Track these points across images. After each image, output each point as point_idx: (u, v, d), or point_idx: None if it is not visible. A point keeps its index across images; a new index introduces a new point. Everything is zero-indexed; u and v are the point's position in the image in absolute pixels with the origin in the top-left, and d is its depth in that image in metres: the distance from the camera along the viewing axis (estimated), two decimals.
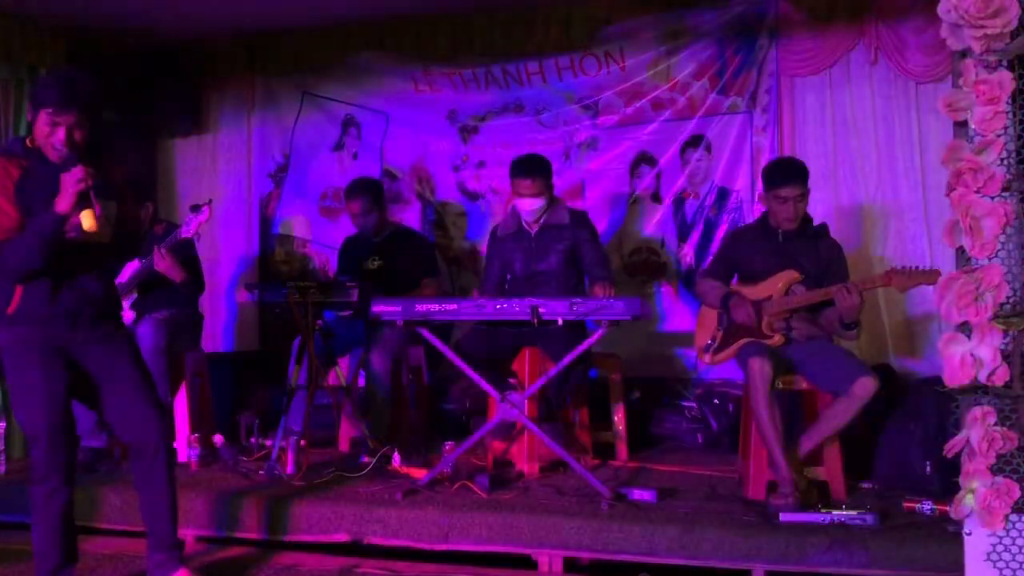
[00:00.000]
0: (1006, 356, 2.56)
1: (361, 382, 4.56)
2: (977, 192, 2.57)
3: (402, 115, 5.78)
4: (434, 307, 3.71)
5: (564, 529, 3.27)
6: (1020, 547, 2.60)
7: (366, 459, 4.09)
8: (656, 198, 5.35)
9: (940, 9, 2.59)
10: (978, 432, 2.55)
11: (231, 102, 6.09)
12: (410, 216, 5.77)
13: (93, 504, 3.70)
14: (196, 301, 4.71)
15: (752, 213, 5.03)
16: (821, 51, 4.96)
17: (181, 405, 4.48)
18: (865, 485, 3.76)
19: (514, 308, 3.61)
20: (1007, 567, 2.61)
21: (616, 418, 4.43)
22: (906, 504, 3.35)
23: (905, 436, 3.70)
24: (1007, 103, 2.56)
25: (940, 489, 3.37)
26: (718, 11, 5.06)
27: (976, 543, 2.63)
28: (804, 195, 3.72)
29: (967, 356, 2.55)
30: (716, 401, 4.76)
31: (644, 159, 5.37)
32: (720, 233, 5.16)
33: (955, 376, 2.57)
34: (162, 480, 2.96)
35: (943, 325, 3.79)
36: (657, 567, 3.19)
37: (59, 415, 2.83)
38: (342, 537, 3.47)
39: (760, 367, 3.46)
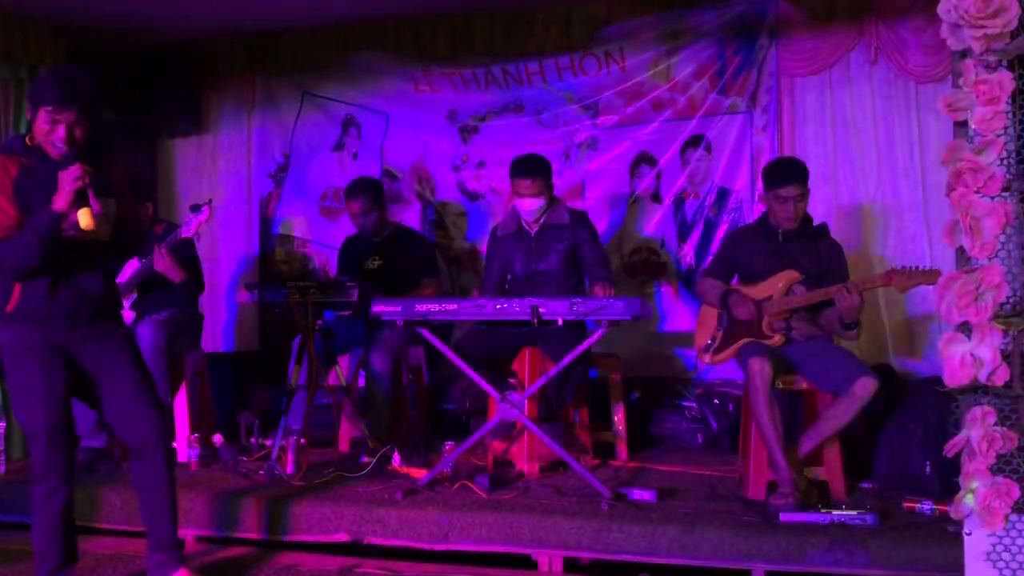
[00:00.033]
0: (1006, 356, 2.56)
1: (361, 382, 4.56)
2: (977, 192, 2.56)
3: (402, 115, 5.78)
4: (434, 307, 3.71)
5: (564, 529, 3.27)
6: (1020, 547, 2.60)
7: (366, 459, 4.09)
8: (656, 198, 5.35)
9: (940, 9, 2.59)
10: (978, 432, 2.55)
11: (231, 102, 6.09)
12: (410, 216, 5.77)
13: (93, 504, 3.70)
14: (196, 301, 4.71)
15: (752, 213, 5.03)
16: (821, 51, 4.96)
17: (181, 405, 4.48)
18: (865, 485, 3.77)
19: (514, 308, 3.61)
20: (1007, 567, 2.61)
21: (616, 418, 4.43)
22: (906, 504, 3.35)
23: (905, 436, 3.70)
24: (1007, 103, 2.56)
25: (940, 489, 3.37)
26: (718, 11, 5.06)
27: (976, 543, 2.63)
28: (804, 195, 3.72)
29: (967, 356, 2.55)
30: (716, 401, 4.76)
31: (644, 159, 5.37)
32: (720, 233, 5.16)
33: (955, 376, 2.57)
34: (161, 480, 2.96)
35: (943, 325, 3.79)
36: (657, 567, 3.19)
37: (58, 414, 2.83)
38: (342, 537, 3.47)
39: (760, 367, 3.46)
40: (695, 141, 5.25)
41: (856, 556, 3.00)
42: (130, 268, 4.40)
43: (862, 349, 4.61)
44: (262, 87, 6.03)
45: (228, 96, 6.08)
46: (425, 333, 3.76)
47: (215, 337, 5.99)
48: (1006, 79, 2.54)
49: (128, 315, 4.38)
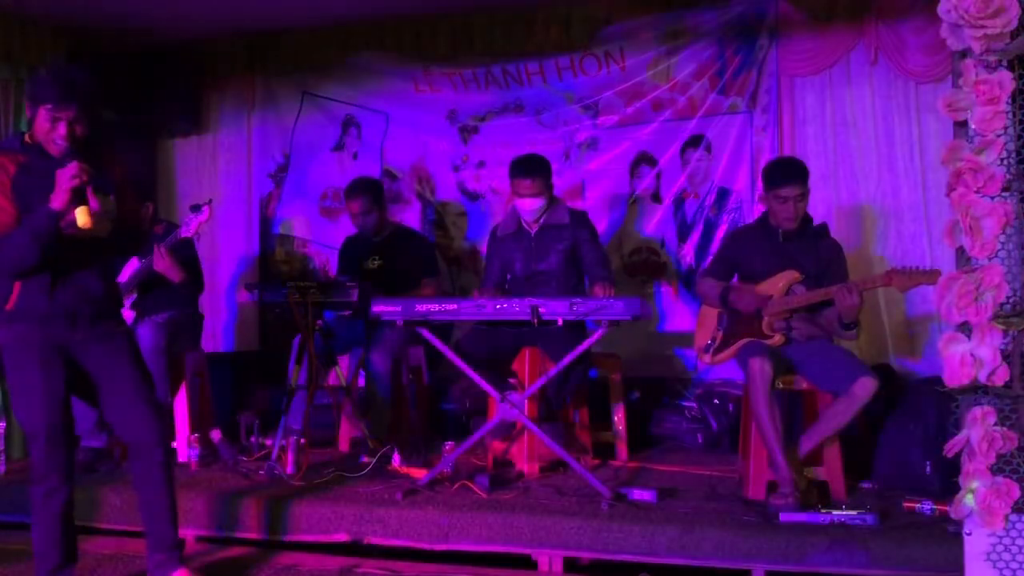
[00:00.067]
0: (1006, 356, 2.56)
1: (361, 382, 4.56)
2: (977, 192, 2.57)
3: (402, 115, 5.78)
4: (434, 307, 3.71)
5: (564, 529, 3.27)
6: (1020, 547, 2.60)
7: (366, 459, 4.09)
8: (656, 198, 5.35)
9: (940, 9, 2.59)
10: (978, 432, 2.55)
11: (231, 102, 6.09)
12: (410, 216, 5.77)
13: (93, 504, 3.70)
14: (196, 301, 4.71)
15: (752, 213, 5.03)
16: (821, 51, 4.96)
17: (181, 405, 4.48)
18: (865, 485, 3.77)
19: (514, 308, 3.61)
20: (1007, 567, 2.61)
21: (616, 418, 4.42)
22: (906, 504, 3.35)
23: (905, 436, 3.70)
24: (1007, 103, 2.56)
25: (940, 489, 3.37)
26: (718, 11, 5.06)
27: (976, 543, 2.63)
28: (804, 195, 3.72)
29: (967, 356, 2.55)
30: (716, 401, 4.76)
31: (644, 159, 5.37)
32: (720, 233, 5.16)
33: (955, 376, 2.57)
34: (160, 480, 2.96)
35: (943, 325, 3.79)
36: (657, 567, 3.19)
37: (58, 414, 2.83)
38: (342, 537, 3.47)
39: (760, 367, 3.46)
40: (695, 141, 5.25)
41: (856, 556, 3.00)
42: (130, 268, 4.40)
43: (862, 349, 4.61)
44: (262, 87, 6.03)
45: (228, 96, 6.08)
46: (425, 333, 3.76)
47: (215, 337, 5.99)
48: (1006, 79, 2.54)
49: (128, 315, 4.38)
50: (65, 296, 2.86)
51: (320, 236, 6.00)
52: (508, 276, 4.46)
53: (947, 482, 2.89)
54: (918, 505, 3.32)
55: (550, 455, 3.94)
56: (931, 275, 3.39)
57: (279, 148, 6.07)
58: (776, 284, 3.70)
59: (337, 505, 3.52)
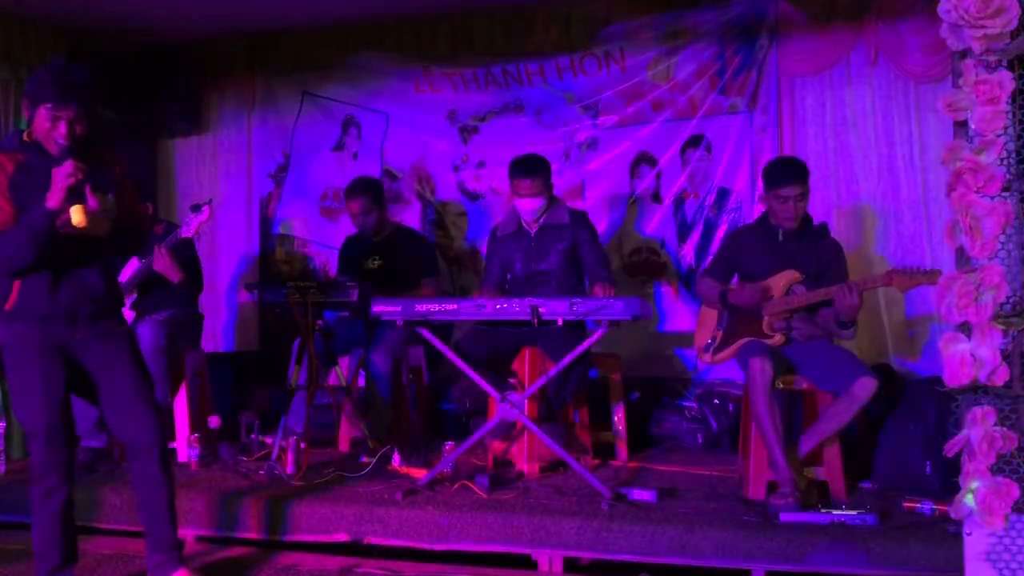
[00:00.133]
0: (1006, 356, 2.55)
1: (361, 382, 4.56)
2: (977, 192, 2.56)
3: (402, 115, 5.78)
4: (434, 307, 3.71)
5: (564, 529, 3.27)
6: (1020, 547, 2.60)
7: (366, 459, 4.09)
8: (656, 198, 5.35)
9: (940, 9, 2.59)
10: (978, 432, 2.55)
11: (231, 102, 6.09)
12: (410, 216, 5.77)
13: (93, 504, 3.70)
14: (196, 301, 4.71)
15: (752, 213, 5.03)
16: (821, 51, 4.96)
17: (181, 405, 4.48)
18: (865, 485, 3.76)
19: (514, 308, 3.61)
20: (1007, 567, 2.60)
21: (616, 418, 4.42)
22: (906, 504, 3.35)
23: (905, 436, 3.70)
24: (1007, 103, 2.55)
25: (940, 489, 3.37)
26: (718, 11, 5.05)
27: (976, 543, 2.63)
28: (804, 194, 3.72)
29: (967, 356, 2.55)
30: (716, 401, 4.76)
31: (644, 159, 5.37)
32: (720, 233, 5.16)
33: (955, 376, 2.57)
34: (159, 480, 2.96)
35: (943, 325, 3.79)
36: (657, 567, 3.19)
37: (57, 413, 2.83)
38: (342, 537, 3.47)
39: (760, 367, 3.46)
40: (695, 141, 5.25)
41: (856, 556, 3.00)
42: (130, 268, 4.40)
43: (862, 349, 4.61)
44: (262, 87, 6.03)
45: (228, 96, 6.08)
46: (425, 333, 3.76)
47: (215, 337, 5.99)
48: (1006, 79, 2.54)
49: (128, 315, 4.38)
50: (65, 295, 2.85)
51: (320, 236, 6.00)
52: (508, 276, 4.46)
53: (947, 482, 2.89)
54: (918, 505, 3.32)
55: (550, 455, 3.94)
56: (931, 275, 3.39)
57: (279, 148, 6.07)
58: (776, 284, 3.70)
59: (337, 505, 3.52)
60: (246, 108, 6.06)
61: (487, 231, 4.84)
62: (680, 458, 4.45)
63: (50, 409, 2.82)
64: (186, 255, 4.44)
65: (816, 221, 3.86)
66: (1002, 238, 2.56)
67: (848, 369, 3.49)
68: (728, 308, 3.79)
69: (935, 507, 3.25)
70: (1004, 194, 2.57)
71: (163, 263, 4.26)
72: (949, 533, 2.92)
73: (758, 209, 4.79)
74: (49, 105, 2.77)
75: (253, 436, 4.52)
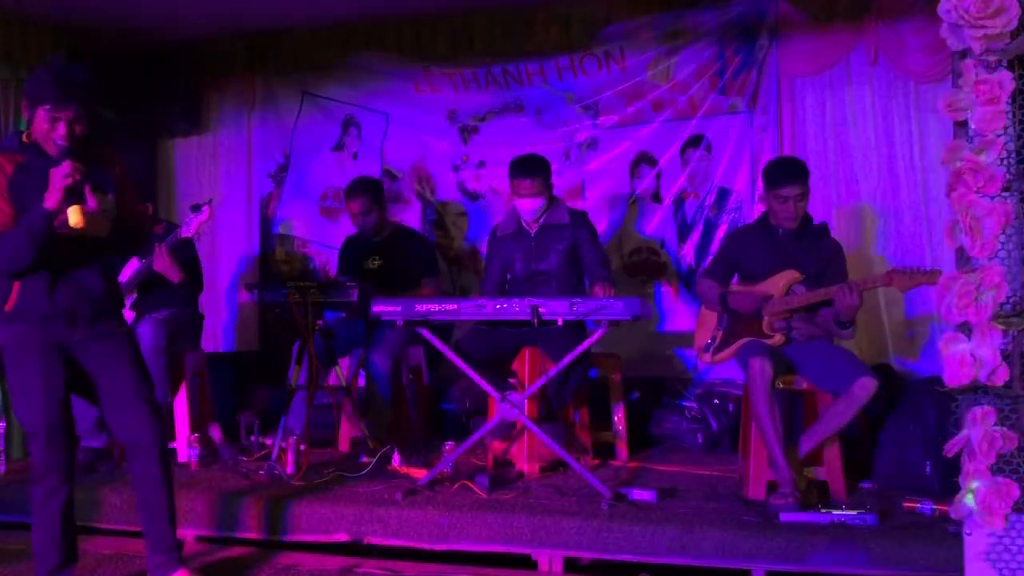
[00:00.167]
0: (1006, 356, 2.55)
1: (361, 382, 4.56)
2: (977, 192, 2.56)
3: (402, 115, 5.78)
4: (434, 307, 3.71)
5: (564, 529, 3.27)
6: (1020, 547, 2.60)
7: (366, 459, 4.09)
8: (656, 198, 5.35)
9: (940, 9, 2.59)
10: (978, 432, 2.55)
11: (231, 102, 6.09)
12: (410, 216, 5.77)
13: (93, 504, 3.70)
14: (196, 301, 4.71)
15: (752, 213, 5.03)
16: (821, 51, 4.95)
17: (181, 405, 4.48)
18: (865, 485, 3.76)
19: (514, 308, 3.61)
20: (1007, 567, 2.60)
21: (616, 418, 4.42)
22: (906, 504, 3.35)
23: (905, 436, 3.70)
24: (1007, 103, 2.55)
25: (940, 489, 3.37)
26: (718, 11, 5.05)
27: (976, 543, 2.63)
28: (804, 194, 3.71)
29: (967, 356, 2.55)
30: (716, 401, 4.76)
31: (644, 159, 5.37)
32: (720, 233, 5.16)
33: (955, 376, 2.57)
34: (158, 480, 2.95)
35: (943, 325, 3.79)
36: (657, 567, 3.19)
37: (57, 413, 2.83)
38: (342, 537, 3.47)
39: (760, 367, 3.46)
40: (695, 141, 5.24)
41: (856, 556, 3.00)
42: (130, 268, 4.40)
43: (862, 349, 4.61)
44: (262, 87, 6.03)
45: (228, 96, 6.08)
46: (425, 333, 3.76)
47: (215, 337, 5.99)
48: (1006, 79, 2.54)
49: (128, 315, 4.38)
50: (64, 296, 2.85)
51: (320, 236, 6.00)
52: (508, 276, 4.46)
53: (947, 482, 2.89)
54: (918, 505, 3.32)
55: (550, 455, 3.94)
56: (931, 275, 3.39)
57: (279, 148, 6.07)
58: (776, 284, 3.70)
59: (337, 505, 3.52)
60: (246, 108, 6.06)
61: (487, 231, 4.84)
62: (680, 458, 4.45)
63: (50, 409, 2.82)
64: (186, 255, 4.44)
65: (816, 221, 3.86)
66: (1002, 238, 2.57)
67: (848, 369, 3.49)
68: (728, 311, 3.79)
69: (935, 507, 3.25)
70: (1004, 194, 2.57)
71: (163, 263, 4.26)
72: (949, 533, 2.92)
73: (758, 209, 4.79)
74: (48, 106, 2.77)
75: (253, 438, 4.52)
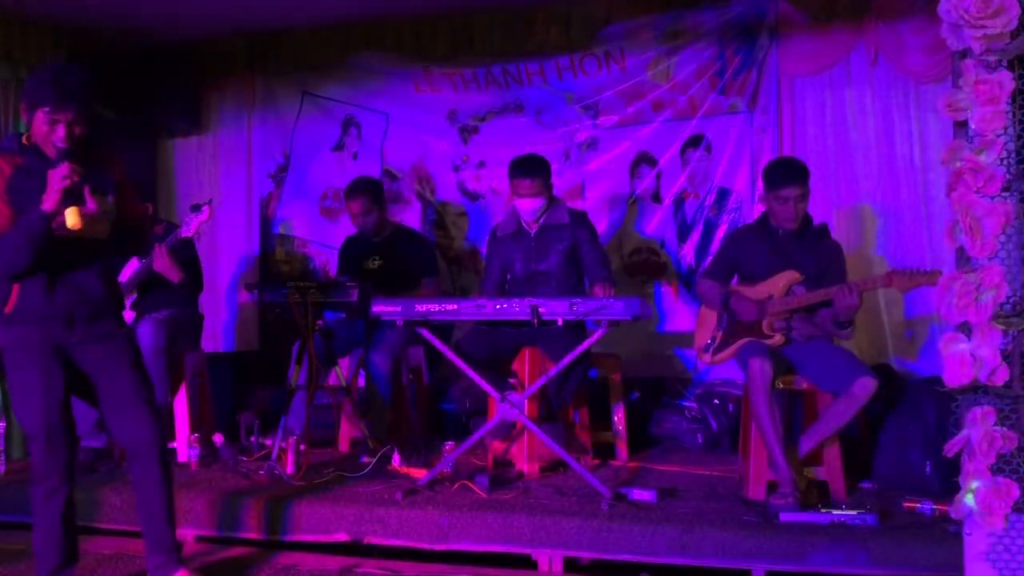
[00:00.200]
0: (1006, 356, 2.55)
1: (361, 382, 4.56)
2: (977, 192, 2.56)
3: (402, 115, 5.78)
4: (434, 307, 3.71)
5: (564, 529, 3.27)
6: (1020, 547, 2.60)
7: (366, 459, 4.10)
8: (656, 198, 5.35)
9: (940, 9, 2.58)
10: (978, 432, 2.55)
11: (231, 102, 6.09)
12: (410, 216, 5.77)
13: (93, 504, 3.70)
14: (196, 301, 4.71)
15: (752, 213, 5.03)
16: (821, 51, 4.95)
17: (181, 405, 4.48)
18: (865, 485, 3.76)
19: (514, 308, 3.61)
20: (1007, 567, 2.60)
21: (616, 418, 4.42)
22: (906, 504, 3.35)
23: (905, 436, 3.70)
24: (1007, 103, 2.55)
25: (940, 489, 3.37)
26: (718, 11, 5.05)
27: (976, 543, 2.63)
28: (805, 195, 3.71)
29: (967, 356, 2.55)
30: (716, 401, 4.76)
31: (644, 159, 5.37)
32: (720, 233, 5.16)
33: (955, 376, 2.57)
34: (157, 482, 2.95)
35: (943, 325, 3.79)
36: (657, 567, 3.20)
37: (57, 414, 2.83)
38: (342, 537, 3.47)
39: (760, 367, 3.46)
40: (695, 141, 5.25)
41: (856, 556, 3.00)
42: (130, 268, 4.40)
43: (862, 349, 4.61)
44: (262, 87, 6.03)
45: (228, 96, 6.08)
46: (425, 333, 3.76)
47: (215, 337, 5.99)
48: (1006, 79, 2.54)
49: (128, 315, 4.38)
50: (63, 297, 2.85)
51: (320, 236, 6.00)
52: (508, 276, 4.46)
53: (947, 482, 2.89)
54: (918, 505, 3.32)
55: (550, 455, 3.94)
56: (931, 276, 3.39)
57: (279, 148, 6.07)
58: (776, 284, 3.70)
59: (337, 505, 3.52)
60: (246, 108, 6.06)
61: (487, 231, 4.84)
62: (680, 458, 4.45)
63: (50, 410, 2.82)
64: (186, 255, 4.44)
65: (816, 221, 3.85)
66: (1002, 238, 2.56)
67: (848, 369, 3.49)
68: (729, 312, 3.79)
69: (935, 507, 3.25)
70: (1004, 194, 2.56)
71: (163, 263, 4.25)
72: (949, 533, 2.92)
73: (758, 209, 4.79)
74: (47, 108, 2.76)
75: (253, 439, 4.52)
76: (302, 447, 4.05)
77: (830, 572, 3.03)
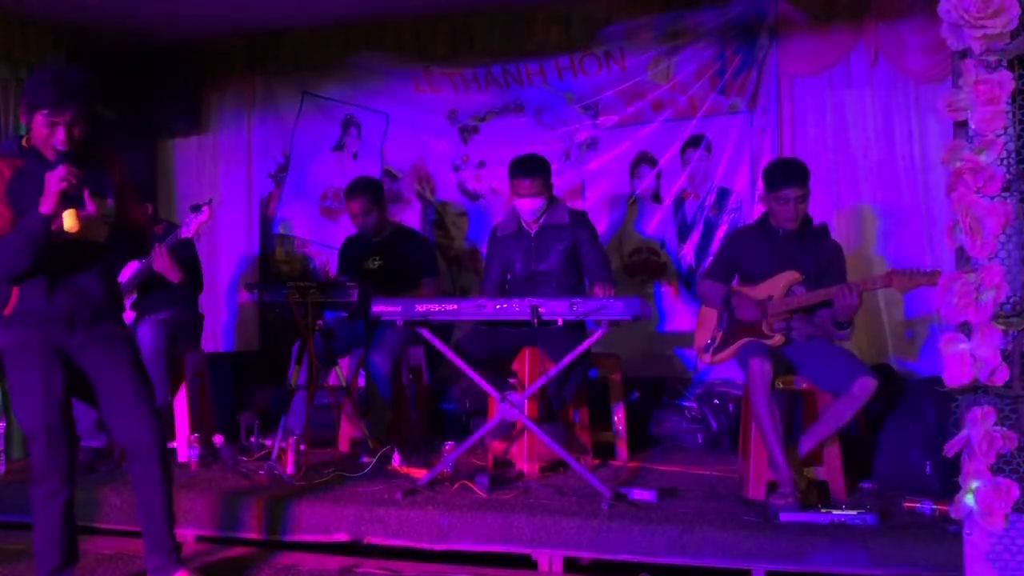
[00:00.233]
0: (1006, 356, 2.55)
1: (361, 382, 4.56)
2: (977, 192, 2.56)
3: (402, 115, 5.78)
4: (434, 307, 3.71)
5: (564, 529, 3.27)
6: (1020, 547, 2.59)
7: (366, 459, 4.09)
8: (656, 198, 5.35)
9: (940, 9, 2.58)
10: (978, 432, 2.55)
11: (231, 102, 6.09)
12: (410, 216, 5.77)
13: (93, 504, 3.70)
14: (196, 301, 4.71)
15: (752, 213, 5.03)
16: (821, 51, 4.95)
17: (181, 405, 4.48)
18: (865, 485, 3.77)
19: (514, 308, 3.61)
20: (1007, 567, 2.60)
21: (616, 418, 4.42)
22: (906, 504, 3.35)
23: (905, 436, 3.70)
24: (1007, 103, 2.55)
25: (940, 489, 3.37)
26: (718, 11, 5.05)
27: (976, 543, 2.63)
28: (805, 196, 3.71)
29: (967, 356, 2.55)
30: (716, 401, 4.76)
31: (644, 159, 5.37)
32: (720, 233, 5.16)
33: (955, 376, 2.57)
34: (158, 483, 2.96)
35: (943, 325, 3.79)
36: (657, 567, 3.20)
37: (57, 416, 2.83)
38: (342, 537, 3.47)
39: (760, 367, 3.46)
40: (695, 141, 5.25)
41: (856, 556, 3.00)
42: (130, 268, 4.40)
43: (862, 349, 4.61)
44: (262, 87, 6.03)
45: (228, 96, 6.08)
46: (425, 333, 3.76)
47: (215, 337, 5.99)
48: (1006, 79, 2.53)
49: (128, 315, 4.38)
50: (63, 299, 2.85)
51: (320, 236, 6.00)
52: (508, 276, 4.46)
53: (947, 482, 2.89)
54: (918, 505, 3.32)
55: (550, 455, 3.94)
56: (931, 276, 3.39)
57: (279, 148, 6.07)
58: (776, 285, 3.70)
59: (337, 505, 3.52)
60: (246, 108, 6.06)
61: (487, 231, 4.84)
62: (680, 458, 4.45)
63: (50, 412, 2.81)
64: (186, 255, 4.43)
65: (816, 221, 3.85)
66: (1002, 238, 2.56)
67: (848, 369, 3.49)
68: (729, 311, 3.79)
69: (935, 507, 3.25)
70: (1004, 194, 2.56)
71: (163, 263, 4.25)
72: (949, 533, 2.92)
73: (758, 209, 4.79)
74: (46, 111, 2.75)
75: (253, 439, 4.52)
76: (302, 447, 4.05)
77: (830, 572, 3.03)
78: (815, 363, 3.62)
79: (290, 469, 3.95)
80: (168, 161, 6.21)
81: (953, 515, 2.65)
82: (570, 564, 3.32)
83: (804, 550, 3.05)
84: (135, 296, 4.48)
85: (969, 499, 2.59)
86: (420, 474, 3.81)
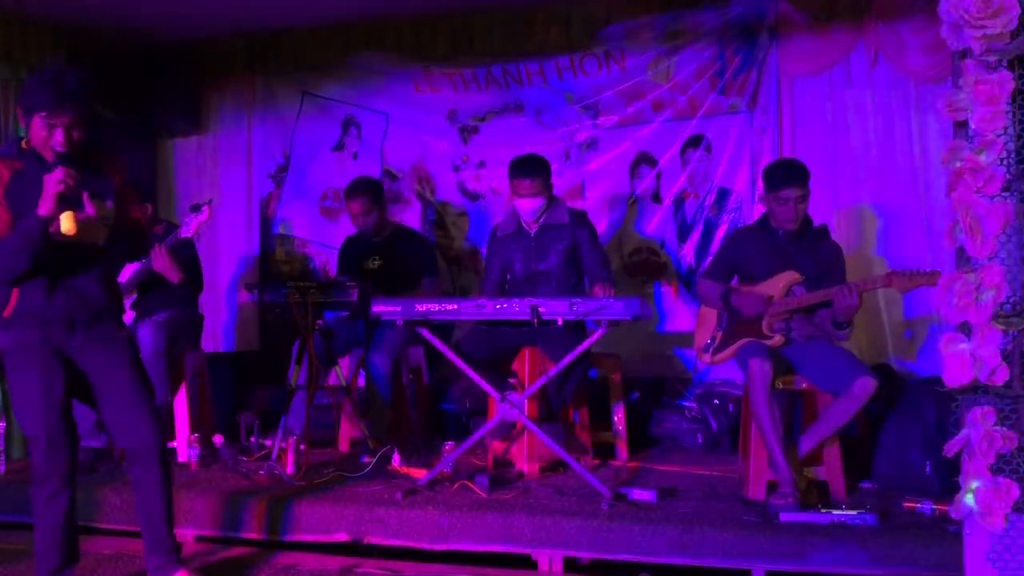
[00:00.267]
0: (1006, 356, 2.55)
1: (361, 382, 4.56)
2: (977, 192, 2.56)
3: (402, 115, 5.78)
4: (434, 307, 3.71)
5: (564, 529, 3.27)
6: (1020, 547, 2.59)
7: (366, 459, 4.09)
8: (656, 198, 5.35)
9: (940, 9, 2.58)
10: (978, 432, 2.55)
11: (231, 102, 6.09)
12: (410, 216, 5.77)
13: (93, 504, 3.70)
14: (196, 301, 4.71)
15: (752, 213, 5.03)
16: (821, 51, 4.95)
17: (181, 405, 4.48)
18: (865, 485, 3.77)
19: (514, 308, 3.61)
20: (1007, 567, 2.60)
21: (616, 418, 4.42)
22: (906, 504, 3.35)
23: (905, 436, 3.70)
24: (1007, 103, 2.55)
25: (940, 489, 3.37)
26: (718, 11, 5.05)
27: (976, 543, 2.63)
28: (805, 196, 3.71)
29: (967, 356, 2.55)
30: (716, 401, 4.76)
31: (644, 159, 5.37)
32: (720, 233, 5.16)
33: (955, 376, 2.57)
34: (158, 484, 2.95)
35: (943, 325, 3.79)
36: (657, 567, 3.20)
37: (57, 417, 2.83)
38: (342, 537, 3.47)
39: (760, 367, 3.46)
40: (695, 141, 5.25)
41: (856, 556, 3.01)
42: (130, 268, 4.40)
43: (862, 349, 4.61)
44: (262, 87, 6.03)
45: (228, 96, 6.08)
46: (425, 333, 3.76)
47: (215, 337, 5.99)
48: (1006, 79, 2.54)
49: (128, 315, 4.38)
50: (63, 301, 2.84)
51: (320, 236, 6.00)
52: (508, 276, 4.46)
53: (947, 482, 2.89)
54: (918, 505, 3.32)
55: (550, 455, 3.94)
56: (931, 276, 3.39)
57: (279, 148, 6.07)
58: (776, 285, 3.70)
59: (337, 505, 3.52)
60: (246, 108, 6.06)
61: (487, 231, 4.84)
62: (680, 458, 4.45)
63: (50, 413, 2.81)
64: (186, 255, 4.43)
65: (816, 221, 3.85)
66: (1002, 238, 2.56)
67: (847, 369, 3.49)
68: (729, 309, 3.79)
69: (935, 507, 3.25)
70: (1004, 194, 2.56)
71: (162, 263, 4.25)
72: (949, 533, 2.92)
73: (758, 209, 4.79)
74: (44, 113, 2.75)
75: (253, 439, 4.52)
76: (302, 447, 4.05)
77: (830, 572, 3.03)
78: (815, 363, 3.62)
79: (290, 469, 3.95)
80: (168, 161, 6.21)
81: (953, 515, 2.65)
82: (570, 564, 3.32)
83: (804, 550, 3.05)
84: (135, 296, 4.49)
85: (969, 499, 2.59)
86: (420, 474, 3.81)
